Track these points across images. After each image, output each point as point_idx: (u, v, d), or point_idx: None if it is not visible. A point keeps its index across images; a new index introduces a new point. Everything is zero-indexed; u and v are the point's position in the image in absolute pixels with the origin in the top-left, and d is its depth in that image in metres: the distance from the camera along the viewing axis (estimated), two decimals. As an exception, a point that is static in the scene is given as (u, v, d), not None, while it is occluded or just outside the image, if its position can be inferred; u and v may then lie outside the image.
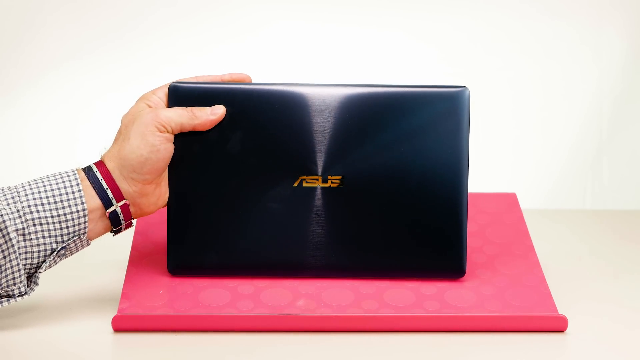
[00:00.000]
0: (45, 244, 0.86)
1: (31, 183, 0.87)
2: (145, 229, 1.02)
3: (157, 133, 0.88)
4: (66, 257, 0.88)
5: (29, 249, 0.86)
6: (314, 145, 0.92)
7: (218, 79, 0.93)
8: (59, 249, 0.87)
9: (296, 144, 0.92)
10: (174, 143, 0.90)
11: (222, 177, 0.92)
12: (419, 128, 0.91)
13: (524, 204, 1.14)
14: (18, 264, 0.85)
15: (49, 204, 0.86)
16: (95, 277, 1.02)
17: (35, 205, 0.86)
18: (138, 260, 0.97)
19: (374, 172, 0.92)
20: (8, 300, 0.87)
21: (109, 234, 0.91)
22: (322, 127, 0.91)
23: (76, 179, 0.87)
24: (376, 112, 0.91)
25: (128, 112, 0.90)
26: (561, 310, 0.91)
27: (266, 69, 1.44)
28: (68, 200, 0.86)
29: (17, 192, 0.86)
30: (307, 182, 0.92)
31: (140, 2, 1.45)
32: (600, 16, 1.47)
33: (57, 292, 0.96)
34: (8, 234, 0.84)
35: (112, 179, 0.88)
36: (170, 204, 0.92)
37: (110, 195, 0.88)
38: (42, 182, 0.87)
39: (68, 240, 0.87)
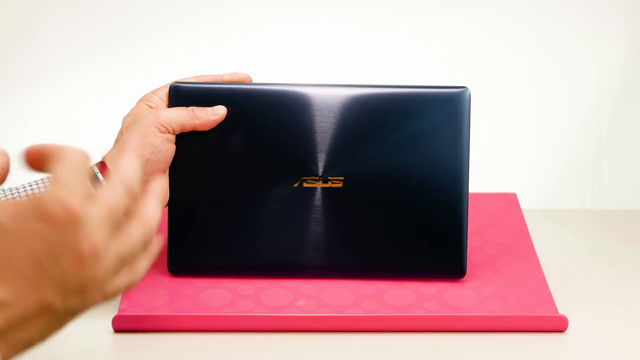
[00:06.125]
0: (45, 244, 0.86)
1: (32, 184, 0.87)
2: (146, 229, 1.02)
3: (158, 134, 0.88)
4: (67, 257, 0.88)
5: (29, 249, 0.86)
6: (314, 145, 0.92)
7: (218, 79, 0.93)
8: (59, 249, 0.86)
9: (296, 144, 0.92)
10: (175, 143, 0.90)
11: (223, 177, 0.92)
12: (420, 128, 0.91)
13: (524, 204, 1.14)
14: (18, 264, 0.85)
15: (49, 204, 0.86)
16: (96, 277, 1.02)
17: (36, 205, 0.85)
18: (138, 260, 0.97)
19: (374, 172, 0.92)
20: (8, 300, 0.87)
21: (109, 234, 0.91)
22: (322, 127, 0.91)
23: (77, 179, 0.87)
24: (376, 112, 0.91)
25: (129, 113, 0.90)
26: (561, 310, 0.91)
27: (266, 69, 1.44)
28: (69, 200, 0.86)
29: (17, 192, 0.86)
30: (307, 183, 0.92)
31: (140, 2, 1.45)
32: (600, 16, 1.47)
33: (57, 292, 0.96)
34: (8, 234, 0.84)
35: (113, 179, 0.88)
36: (170, 204, 0.92)
37: (111, 196, 0.87)
38: (43, 182, 0.87)
39: (68, 240, 0.87)
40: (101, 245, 0.57)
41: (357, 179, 0.92)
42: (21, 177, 0.99)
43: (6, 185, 0.89)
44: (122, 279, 0.60)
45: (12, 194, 0.86)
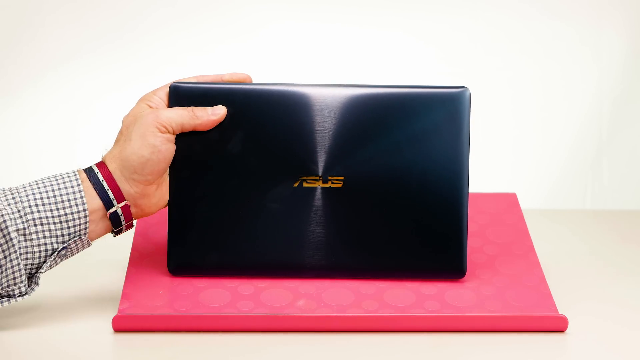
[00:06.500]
0: (46, 244, 0.86)
1: (32, 184, 0.87)
2: (146, 229, 1.02)
3: (158, 134, 0.88)
4: (67, 257, 0.88)
5: (29, 249, 0.86)
6: (314, 145, 0.92)
7: (218, 79, 0.93)
8: (59, 249, 0.87)
9: (296, 144, 0.92)
10: (175, 143, 0.90)
11: (223, 177, 0.92)
12: (420, 128, 0.91)
13: (524, 204, 1.14)
14: (19, 264, 0.85)
15: (49, 204, 0.86)
16: (95, 277, 1.02)
17: (36, 205, 0.86)
18: (138, 260, 0.97)
19: (374, 171, 0.92)
20: (8, 300, 0.87)
21: (110, 235, 0.91)
22: (322, 127, 0.91)
23: (77, 179, 0.87)
24: (376, 112, 0.91)
25: (129, 113, 0.90)
26: (561, 310, 0.91)
27: (266, 69, 1.44)
28: (69, 200, 0.86)
29: (17, 192, 0.86)
30: (307, 183, 0.92)
31: (140, 2, 1.45)
32: (600, 16, 1.47)
33: (57, 292, 0.96)
34: (9, 233, 0.84)
35: (114, 179, 0.88)
36: (170, 204, 0.92)
37: (111, 196, 0.88)
38: (43, 182, 0.87)
39: (69, 240, 0.87)
40: None
41: (357, 179, 0.92)
42: (21, 178, 0.99)
43: (6, 185, 0.89)
44: None
45: (12, 193, 0.86)
